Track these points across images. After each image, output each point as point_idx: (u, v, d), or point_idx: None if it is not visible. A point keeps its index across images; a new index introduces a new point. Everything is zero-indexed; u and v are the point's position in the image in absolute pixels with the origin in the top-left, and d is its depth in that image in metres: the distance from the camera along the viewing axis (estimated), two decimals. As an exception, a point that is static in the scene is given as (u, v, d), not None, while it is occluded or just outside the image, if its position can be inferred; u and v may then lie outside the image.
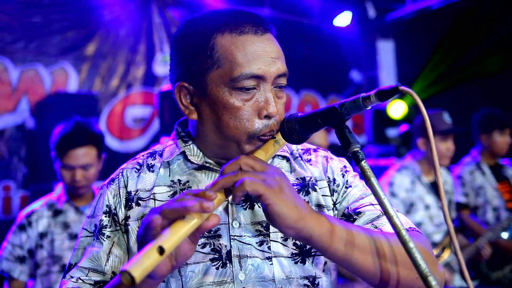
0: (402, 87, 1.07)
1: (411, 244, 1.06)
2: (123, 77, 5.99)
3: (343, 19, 7.20)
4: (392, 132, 6.64)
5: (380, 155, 5.90)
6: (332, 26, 7.29)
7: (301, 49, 7.27)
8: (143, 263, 0.99)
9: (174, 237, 1.04)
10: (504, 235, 4.22)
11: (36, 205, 3.07)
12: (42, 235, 2.96)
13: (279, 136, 1.32)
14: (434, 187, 3.94)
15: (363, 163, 1.14)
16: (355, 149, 1.15)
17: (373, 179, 1.12)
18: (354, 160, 1.15)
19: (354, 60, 7.96)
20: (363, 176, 1.14)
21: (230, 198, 1.20)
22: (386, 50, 8.11)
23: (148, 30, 6.22)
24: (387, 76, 8.06)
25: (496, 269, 4.19)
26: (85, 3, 5.75)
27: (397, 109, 6.18)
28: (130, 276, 0.98)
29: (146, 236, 1.09)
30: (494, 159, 4.62)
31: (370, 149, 6.27)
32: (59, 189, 3.14)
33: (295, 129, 1.26)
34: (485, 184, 4.48)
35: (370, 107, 1.14)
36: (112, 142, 5.82)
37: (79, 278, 1.37)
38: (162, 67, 6.21)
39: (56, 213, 3.03)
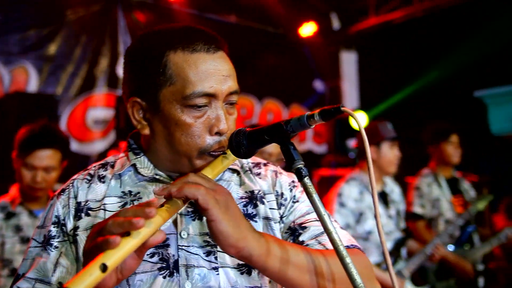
0: (344, 108, 1.13)
1: (347, 260, 1.11)
2: (85, 79, 5.92)
3: (308, 29, 7.35)
4: (352, 143, 6.78)
5: (339, 165, 6.03)
6: (297, 36, 7.41)
7: (265, 57, 7.34)
8: (85, 280, 1.01)
9: (117, 254, 1.06)
10: (450, 247, 4.38)
11: (-12, 207, 3.02)
12: (-7, 238, 2.91)
13: (229, 152, 1.35)
14: (382, 197, 4.06)
15: (306, 179, 1.18)
16: (298, 166, 1.20)
17: (315, 196, 1.16)
18: (297, 177, 1.19)
19: (318, 70, 8.09)
20: (306, 192, 1.18)
21: (180, 204, 1.21)
22: (349, 61, 8.27)
23: (113, 32, 6.18)
24: (350, 87, 8.20)
25: (442, 280, 4.34)
26: (48, 0, 5.66)
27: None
28: None
29: (91, 251, 1.10)
30: (450, 171, 4.79)
31: (330, 158, 6.39)
32: (13, 191, 3.09)
33: (243, 144, 1.29)
34: (440, 197, 4.64)
35: (313, 126, 1.18)
36: (72, 144, 5.74)
37: None
38: (126, 70, 6.17)
39: (9, 215, 2.98)
